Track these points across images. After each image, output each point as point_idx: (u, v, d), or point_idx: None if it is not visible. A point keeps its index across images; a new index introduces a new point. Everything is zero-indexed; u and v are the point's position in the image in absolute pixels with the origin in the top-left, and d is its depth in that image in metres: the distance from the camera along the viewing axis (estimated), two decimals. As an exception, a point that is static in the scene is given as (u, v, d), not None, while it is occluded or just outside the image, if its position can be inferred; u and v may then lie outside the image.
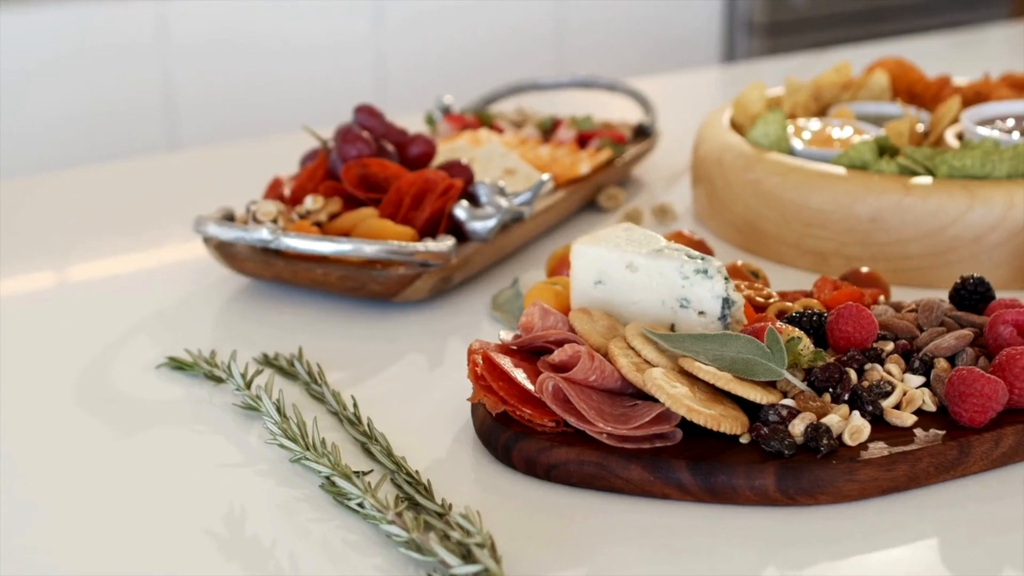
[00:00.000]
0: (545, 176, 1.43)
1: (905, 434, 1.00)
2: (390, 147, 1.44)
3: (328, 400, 1.12)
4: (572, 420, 1.00)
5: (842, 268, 1.37)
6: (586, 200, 1.57)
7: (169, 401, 1.15)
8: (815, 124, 1.54)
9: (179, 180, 1.80)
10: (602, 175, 1.59)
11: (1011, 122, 1.49)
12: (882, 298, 1.20)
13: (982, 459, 1.00)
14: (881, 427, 1.01)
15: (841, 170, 1.38)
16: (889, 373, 1.06)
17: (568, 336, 1.06)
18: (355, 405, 1.10)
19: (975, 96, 1.63)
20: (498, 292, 1.35)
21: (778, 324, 1.07)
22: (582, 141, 1.64)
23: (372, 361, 1.23)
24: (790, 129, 1.52)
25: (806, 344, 1.05)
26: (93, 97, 3.13)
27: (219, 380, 1.16)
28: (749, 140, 1.49)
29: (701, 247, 1.34)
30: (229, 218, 1.37)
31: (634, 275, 1.12)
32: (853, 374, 1.04)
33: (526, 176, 1.50)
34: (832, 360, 1.06)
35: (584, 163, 1.55)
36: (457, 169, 1.42)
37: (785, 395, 1.03)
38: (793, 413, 1.00)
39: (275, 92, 3.41)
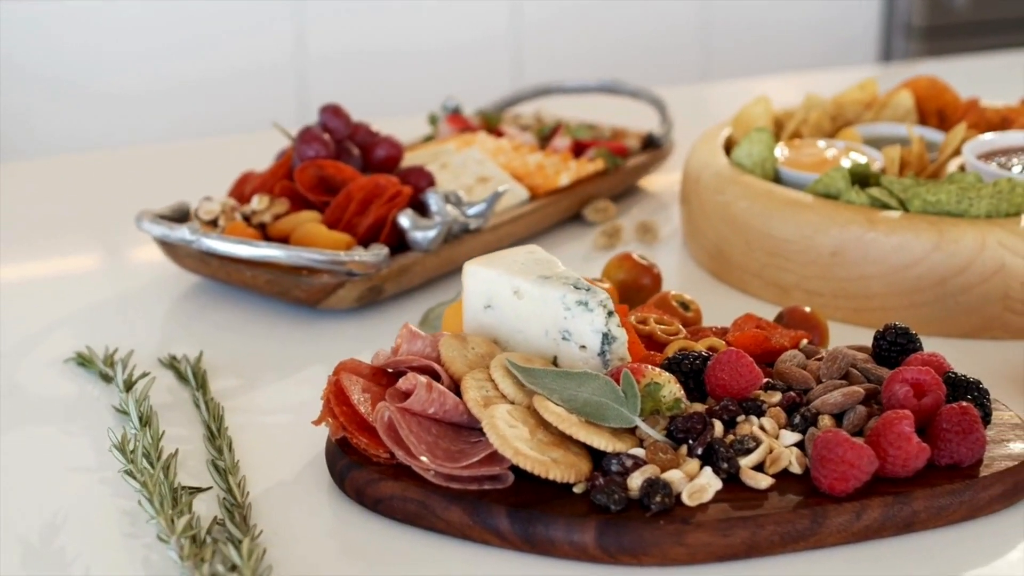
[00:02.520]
0: (502, 187, 1.38)
1: (756, 497, 0.92)
2: (355, 149, 1.41)
3: (201, 408, 1.10)
4: (400, 454, 0.95)
5: (803, 302, 1.28)
6: (570, 212, 1.51)
7: (56, 398, 1.15)
8: (816, 146, 1.44)
9: (185, 170, 1.80)
10: (592, 186, 1.52)
11: (1024, 154, 1.37)
12: (804, 342, 1.11)
13: (840, 532, 0.91)
14: (736, 487, 0.93)
15: (809, 198, 1.29)
16: (762, 428, 0.98)
17: (426, 363, 1.02)
18: (221, 416, 1.08)
19: (1000, 122, 1.50)
20: (435, 306, 1.30)
21: (648, 367, 0.99)
22: (579, 150, 1.58)
23: (280, 368, 1.21)
24: (783, 150, 1.42)
25: (671, 390, 0.98)
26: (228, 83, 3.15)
27: (110, 380, 1.16)
28: (733, 160, 1.40)
29: (647, 272, 1.27)
30: (183, 213, 1.36)
31: (520, 302, 1.06)
32: (719, 426, 0.97)
33: (499, 184, 1.45)
34: (704, 409, 0.99)
35: (565, 174, 1.48)
36: (418, 175, 1.38)
37: (642, 444, 0.96)
38: (638, 464, 0.93)
39: (411, 96, 3.36)
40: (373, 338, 1.26)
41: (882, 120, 1.55)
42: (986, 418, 0.99)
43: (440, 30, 3.31)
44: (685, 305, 1.19)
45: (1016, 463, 0.96)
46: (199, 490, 0.99)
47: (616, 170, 1.56)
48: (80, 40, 2.93)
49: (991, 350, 1.21)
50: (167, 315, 1.33)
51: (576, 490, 0.93)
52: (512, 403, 0.98)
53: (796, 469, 0.95)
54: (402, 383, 0.99)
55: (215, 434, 1.06)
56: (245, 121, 3.11)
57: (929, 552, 0.92)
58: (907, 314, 1.23)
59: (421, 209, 1.35)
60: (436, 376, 1.01)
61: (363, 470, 0.97)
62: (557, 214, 1.48)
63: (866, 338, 1.21)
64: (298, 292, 1.26)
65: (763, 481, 0.93)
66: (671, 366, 1.02)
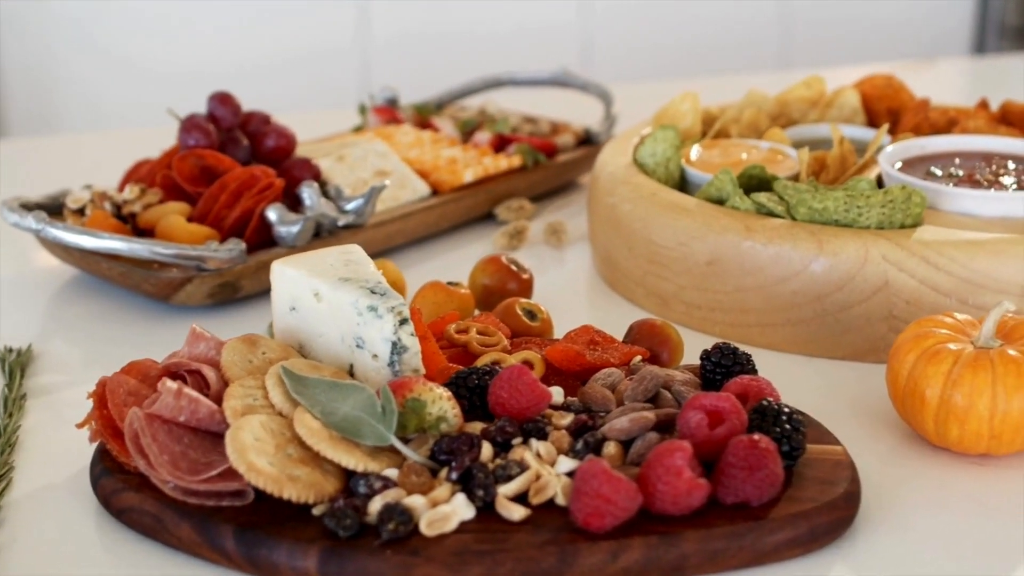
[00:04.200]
0: (380, 183, 1.31)
1: (507, 530, 0.84)
2: (243, 139, 1.35)
3: (7, 403, 1.06)
4: (142, 464, 0.89)
5: (682, 314, 1.19)
6: (478, 210, 1.43)
7: None
8: (739, 147, 1.34)
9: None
10: (509, 183, 1.44)
11: (961, 162, 1.25)
12: (638, 358, 1.02)
13: (594, 572, 0.82)
14: (492, 518, 0.85)
15: (692, 203, 1.19)
16: (539, 453, 0.89)
17: (198, 367, 0.95)
18: (12, 414, 1.03)
19: (947, 124, 1.37)
20: (297, 304, 1.24)
21: (422, 382, 0.91)
22: (502, 144, 1.50)
23: (118, 364, 1.15)
24: (699, 151, 1.32)
25: (442, 407, 0.90)
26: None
27: (-71, 370, 1.12)
28: (636, 159, 1.31)
29: (513, 277, 1.20)
30: (58, 202, 1.32)
31: (320, 305, 0.99)
32: (488, 449, 0.88)
33: (399, 179, 1.38)
34: (481, 430, 0.91)
35: (470, 170, 1.41)
36: (301, 167, 1.32)
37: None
38: (388, 487, 0.86)
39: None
40: (226, 337, 1.20)
41: (828, 120, 1.44)
42: (792, 453, 0.89)
43: (508, 14, 3.24)
44: (532, 314, 1.11)
45: (814, 506, 0.86)
46: (-48, 492, 0.95)
47: (537, 167, 1.47)
48: (143, 16, 2.93)
49: (872, 375, 1.10)
50: (31, 306, 1.29)
51: (315, 512, 0.86)
52: (280, 414, 0.92)
53: (562, 501, 0.86)
54: (160, 388, 0.93)
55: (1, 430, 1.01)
56: (309, 102, 3.09)
57: (697, 601, 0.83)
58: (786, 332, 1.13)
59: (297, 203, 1.29)
60: (205, 380, 0.94)
61: (111, 478, 0.91)
62: (460, 212, 1.41)
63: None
64: (148, 286, 1.21)
65: (516, 512, 0.85)
66: (456, 382, 0.94)
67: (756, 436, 0.86)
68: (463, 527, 0.84)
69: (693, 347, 1.11)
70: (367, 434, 0.88)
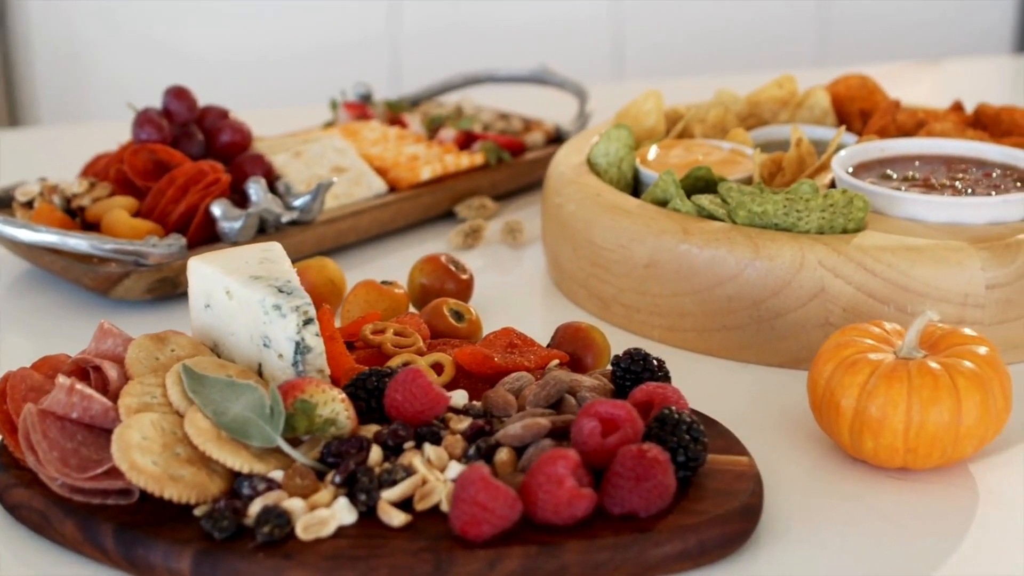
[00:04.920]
0: (328, 179, 1.29)
1: (385, 536, 0.82)
2: (198, 134, 1.35)
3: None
4: (31, 460, 0.88)
5: (621, 318, 1.16)
6: (436, 208, 1.41)
7: None
8: (700, 147, 1.31)
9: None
10: (472, 180, 1.42)
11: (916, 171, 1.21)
12: (555, 363, 1.00)
13: (471, 581, 0.81)
14: (374, 523, 0.83)
15: (633, 205, 1.17)
16: (428, 459, 0.87)
17: (97, 363, 0.95)
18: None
19: (915, 127, 1.34)
20: (239, 301, 1.23)
21: (316, 383, 0.89)
22: (468, 141, 1.48)
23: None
24: (656, 151, 1.30)
25: (333, 409, 0.88)
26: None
27: None
28: (590, 158, 1.29)
29: (451, 277, 1.18)
30: (10, 194, 1.33)
31: (231, 303, 0.98)
32: (376, 452, 0.87)
33: (355, 175, 1.37)
34: (374, 433, 0.89)
35: (427, 168, 1.39)
36: (252, 162, 1.31)
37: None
38: (272, 489, 0.84)
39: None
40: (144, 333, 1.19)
41: (798, 120, 1.41)
42: (689, 463, 0.86)
43: (538, 6, 3.21)
44: (459, 315, 1.09)
45: (706, 518, 0.83)
46: None
47: (502, 165, 1.45)
48: (175, 4, 2.94)
49: (805, 383, 1.06)
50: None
51: (196, 513, 0.85)
52: (177, 413, 0.91)
53: (447, 508, 0.84)
54: (56, 383, 0.92)
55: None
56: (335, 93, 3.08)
57: (577, 613, 0.80)
58: (722, 337, 1.10)
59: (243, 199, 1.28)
60: (104, 377, 0.94)
61: (5, 474, 0.90)
62: (418, 209, 1.39)
63: (681, 365, 1.09)
64: (86, 280, 1.21)
65: (396, 518, 0.83)
66: (355, 383, 0.92)
67: (645, 445, 0.83)
68: (342, 532, 0.83)
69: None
70: (255, 435, 0.87)
